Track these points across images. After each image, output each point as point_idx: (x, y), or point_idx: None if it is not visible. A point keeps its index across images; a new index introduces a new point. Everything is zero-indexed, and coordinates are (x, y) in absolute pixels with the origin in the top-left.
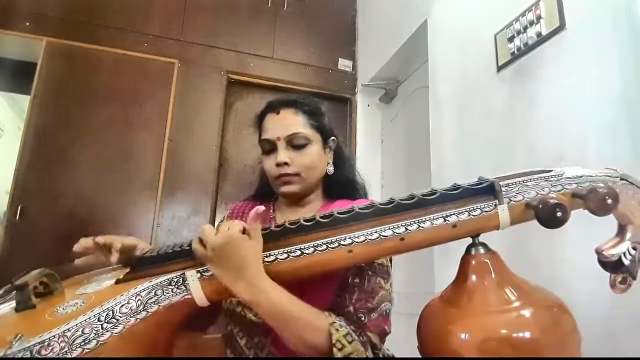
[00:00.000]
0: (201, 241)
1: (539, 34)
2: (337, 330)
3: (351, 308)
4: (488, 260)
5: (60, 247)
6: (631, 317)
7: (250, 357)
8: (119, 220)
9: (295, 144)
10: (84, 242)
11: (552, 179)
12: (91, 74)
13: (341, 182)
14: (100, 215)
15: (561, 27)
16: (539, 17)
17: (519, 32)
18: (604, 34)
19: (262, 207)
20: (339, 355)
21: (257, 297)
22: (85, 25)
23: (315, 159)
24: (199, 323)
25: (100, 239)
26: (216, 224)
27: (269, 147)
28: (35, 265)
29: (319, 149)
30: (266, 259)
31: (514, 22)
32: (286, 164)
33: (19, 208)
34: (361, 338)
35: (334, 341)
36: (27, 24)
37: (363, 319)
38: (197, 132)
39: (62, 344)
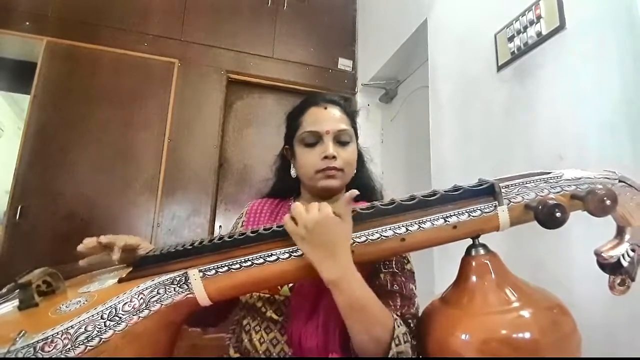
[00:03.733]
0: (293, 219)
1: (539, 34)
2: (398, 326)
3: (398, 314)
4: (488, 262)
5: (60, 247)
6: (631, 318)
7: (255, 357)
8: (119, 220)
9: (342, 140)
10: (88, 242)
11: (551, 181)
12: (91, 74)
13: (361, 185)
14: (100, 215)
15: (561, 26)
16: (539, 17)
17: (519, 32)
18: (604, 34)
19: (356, 191)
20: (394, 349)
21: (342, 279)
22: (85, 25)
23: (355, 157)
24: (211, 318)
25: (104, 239)
26: (216, 224)
27: (313, 140)
28: (35, 265)
29: (355, 149)
30: None
31: (514, 21)
32: (334, 157)
33: (19, 208)
34: (412, 342)
35: (394, 336)
36: (27, 23)
37: (411, 325)
38: (197, 132)
39: (65, 341)
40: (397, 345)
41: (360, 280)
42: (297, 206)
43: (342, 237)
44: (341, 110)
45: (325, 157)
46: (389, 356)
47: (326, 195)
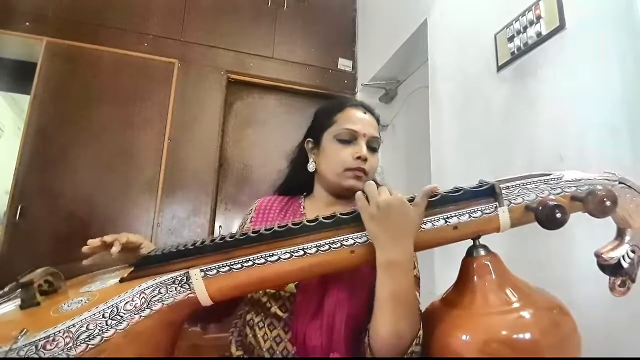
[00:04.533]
0: (366, 197)
1: (538, 34)
2: (421, 329)
3: None
4: (489, 262)
5: (60, 247)
6: (631, 319)
7: (257, 356)
8: (119, 220)
9: (373, 146)
10: (92, 243)
11: (551, 182)
12: (91, 74)
13: None
14: (100, 215)
15: (561, 26)
16: (538, 17)
17: (518, 32)
18: (604, 34)
19: (437, 186)
20: (412, 348)
21: (399, 265)
22: (85, 25)
23: (377, 166)
24: (215, 314)
25: (108, 238)
26: (216, 224)
27: (349, 138)
28: (35, 265)
29: (379, 159)
30: None
31: (514, 22)
32: (366, 159)
33: (19, 208)
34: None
35: (418, 335)
36: (27, 24)
37: None
38: (197, 132)
39: (67, 339)
40: (415, 345)
41: (411, 273)
42: (371, 184)
43: (411, 224)
44: (375, 120)
45: (359, 158)
46: (405, 356)
47: (344, 195)
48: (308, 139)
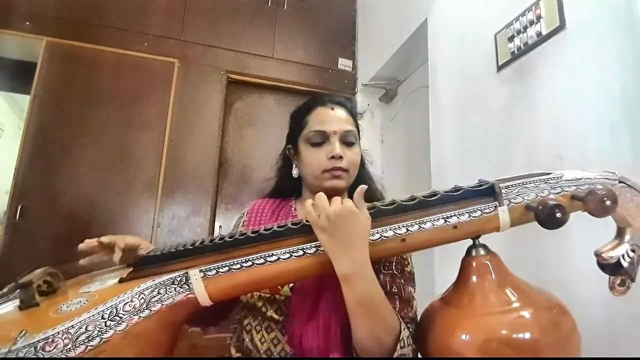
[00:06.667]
0: (315, 208)
1: (539, 34)
2: (403, 330)
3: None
4: (488, 262)
5: (60, 247)
6: (631, 318)
7: (256, 357)
8: (119, 220)
9: (348, 141)
10: (89, 242)
11: (551, 181)
12: (91, 74)
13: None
14: (100, 216)
15: (561, 26)
16: (539, 17)
17: (519, 32)
18: (604, 33)
19: (366, 186)
20: (398, 352)
21: (357, 274)
22: (85, 25)
23: (359, 159)
24: (212, 316)
25: (105, 239)
26: (216, 224)
27: (320, 140)
28: (35, 265)
29: (359, 150)
30: None
31: (514, 21)
32: (341, 157)
33: (19, 208)
34: (413, 345)
35: (400, 338)
36: (27, 23)
37: (410, 329)
38: (197, 132)
39: (66, 341)
40: (401, 347)
41: (373, 279)
42: (320, 196)
43: (362, 232)
44: (347, 112)
45: (332, 157)
46: (393, 357)
47: (330, 195)
48: (288, 146)
